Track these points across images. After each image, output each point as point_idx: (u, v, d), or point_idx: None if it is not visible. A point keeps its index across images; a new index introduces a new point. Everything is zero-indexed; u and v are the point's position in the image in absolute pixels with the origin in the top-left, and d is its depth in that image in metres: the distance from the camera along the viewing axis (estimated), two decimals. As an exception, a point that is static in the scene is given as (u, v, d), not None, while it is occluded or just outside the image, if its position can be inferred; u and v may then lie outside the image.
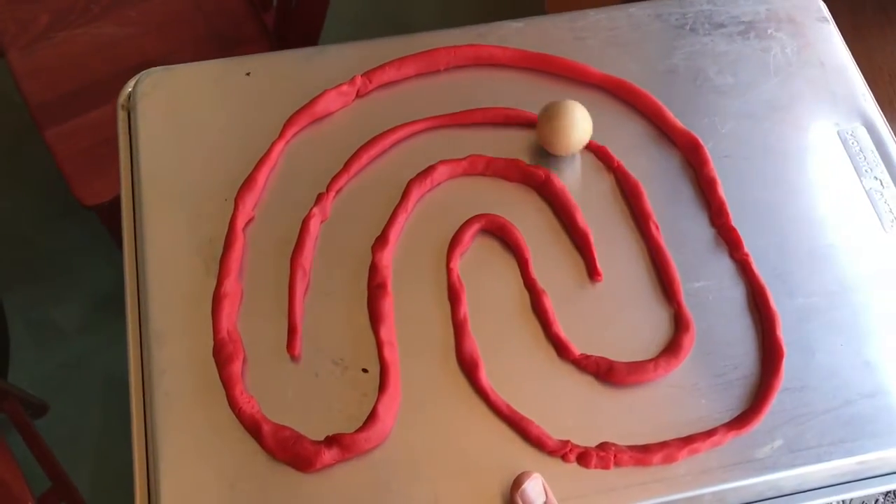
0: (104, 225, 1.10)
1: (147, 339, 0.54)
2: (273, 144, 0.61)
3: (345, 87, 0.63)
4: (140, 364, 0.54)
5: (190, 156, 0.61)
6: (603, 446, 0.52)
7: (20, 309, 1.34)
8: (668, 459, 0.51)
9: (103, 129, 1.03)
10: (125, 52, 1.10)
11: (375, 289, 0.55)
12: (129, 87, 0.65)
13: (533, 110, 0.63)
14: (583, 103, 0.64)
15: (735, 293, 0.57)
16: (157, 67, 0.65)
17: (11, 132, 1.49)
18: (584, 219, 0.58)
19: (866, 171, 0.63)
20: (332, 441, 0.50)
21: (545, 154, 0.61)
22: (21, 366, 1.31)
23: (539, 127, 0.60)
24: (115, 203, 0.98)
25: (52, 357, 1.32)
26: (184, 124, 0.62)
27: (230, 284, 0.55)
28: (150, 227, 0.58)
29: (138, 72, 0.64)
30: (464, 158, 0.60)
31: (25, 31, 1.09)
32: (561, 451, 0.51)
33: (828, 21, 0.69)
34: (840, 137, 0.64)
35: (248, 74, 0.65)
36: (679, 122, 0.63)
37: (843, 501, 0.54)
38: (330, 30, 1.06)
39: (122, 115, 0.64)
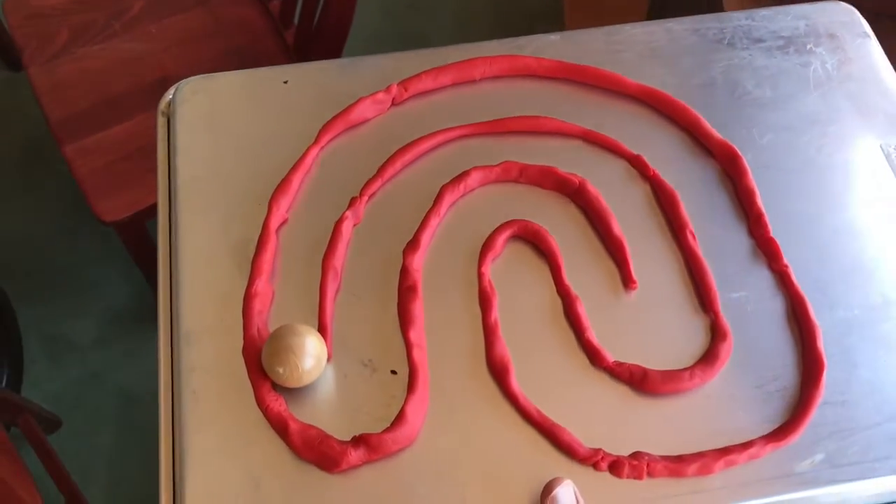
0: (121, 240, 1.10)
1: (177, 338, 0.54)
2: (308, 149, 0.61)
3: (380, 95, 0.63)
4: (170, 363, 0.54)
5: (226, 159, 0.62)
6: (636, 455, 0.50)
7: (35, 323, 1.35)
8: (704, 471, 0.50)
9: (123, 146, 1.03)
10: (145, 69, 1.10)
11: (406, 291, 0.55)
12: (169, 95, 0.66)
13: (568, 119, 0.63)
14: (619, 114, 0.64)
15: (774, 304, 0.56)
16: (197, 76, 0.67)
17: (27, 146, 1.50)
18: (619, 226, 0.58)
19: (911, 185, 0.61)
20: (358, 441, 0.49)
21: (582, 162, 0.61)
22: (35, 380, 1.32)
23: (263, 355, 0.51)
24: (134, 219, 0.99)
25: (66, 372, 1.32)
26: (221, 129, 0.63)
27: (262, 284, 0.55)
28: (185, 228, 0.58)
29: (158, 88, 0.65)
30: (497, 165, 0.60)
31: (46, 47, 1.11)
32: (592, 458, 0.50)
33: (869, 37, 0.68)
34: (883, 152, 0.63)
35: (285, 83, 0.65)
36: (717, 133, 0.62)
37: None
38: (350, 47, 1.06)
39: (161, 121, 0.65)
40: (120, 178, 1.02)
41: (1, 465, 0.84)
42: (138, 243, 1.07)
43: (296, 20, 1.12)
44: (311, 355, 0.50)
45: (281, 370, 0.50)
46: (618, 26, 0.69)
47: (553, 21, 1.59)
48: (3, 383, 1.27)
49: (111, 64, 1.10)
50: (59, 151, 1.03)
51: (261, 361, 0.51)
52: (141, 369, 1.28)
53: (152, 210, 0.97)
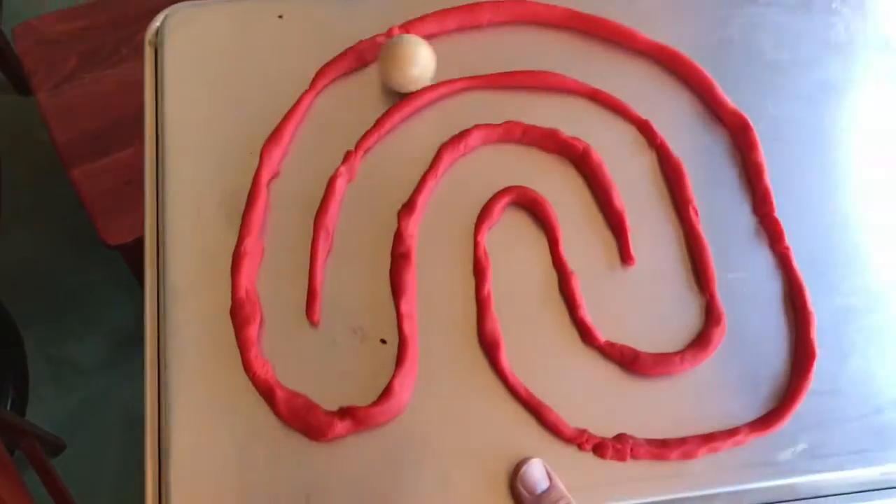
0: (126, 263, 1.12)
1: (164, 295, 0.53)
2: (302, 96, 0.58)
3: (380, 39, 0.60)
4: (157, 320, 0.53)
5: (217, 102, 0.59)
6: (620, 438, 0.50)
7: (40, 345, 1.35)
8: (687, 456, 0.50)
9: (129, 170, 1.05)
10: (152, 94, 1.11)
11: (399, 258, 0.53)
12: (157, 23, 0.63)
13: (577, 75, 0.60)
14: (630, 72, 0.61)
15: (771, 287, 0.55)
16: (186, 3, 0.63)
17: (35, 170, 1.49)
18: (621, 198, 0.56)
19: (925, 165, 0.59)
20: (345, 413, 0.49)
21: (588, 124, 0.59)
22: (40, 403, 1.32)
23: (380, 61, 0.58)
24: (139, 242, 0.98)
25: (70, 394, 1.33)
26: (212, 68, 0.60)
27: (251, 243, 0.53)
28: (172, 178, 0.56)
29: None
30: (500, 125, 0.58)
31: (54, 73, 1.11)
32: (577, 439, 0.50)
33: (898, -2, 0.65)
34: (900, 127, 0.60)
35: (280, 17, 0.62)
36: (729, 101, 0.59)
37: (861, 509, 0.53)
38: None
39: (148, 51, 0.62)
40: (125, 202, 1.03)
41: (2, 488, 0.85)
42: (142, 266, 1.10)
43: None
44: (418, 64, 0.56)
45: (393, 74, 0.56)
46: (635, -28, 0.65)
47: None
48: (8, 406, 1.27)
49: (119, 88, 1.11)
50: (67, 175, 1.04)
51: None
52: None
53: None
